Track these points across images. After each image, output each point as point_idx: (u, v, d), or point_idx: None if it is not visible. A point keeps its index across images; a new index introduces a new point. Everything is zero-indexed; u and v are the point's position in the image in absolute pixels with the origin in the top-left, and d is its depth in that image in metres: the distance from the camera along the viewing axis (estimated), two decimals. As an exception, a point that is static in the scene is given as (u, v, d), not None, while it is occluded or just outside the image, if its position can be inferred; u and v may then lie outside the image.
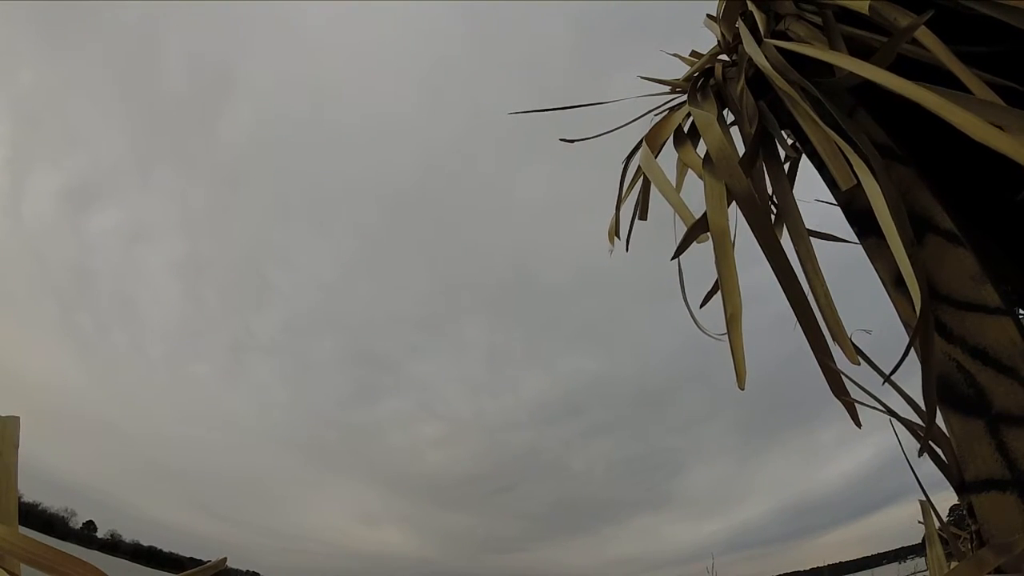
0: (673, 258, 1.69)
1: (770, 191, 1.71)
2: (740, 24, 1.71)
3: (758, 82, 1.62)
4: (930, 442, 1.30)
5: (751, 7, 1.67)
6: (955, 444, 1.24)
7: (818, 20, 1.55)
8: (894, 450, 1.38)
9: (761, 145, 1.62)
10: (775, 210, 1.71)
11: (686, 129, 1.81)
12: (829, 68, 1.50)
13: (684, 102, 1.86)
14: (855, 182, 1.27)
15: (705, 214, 1.49)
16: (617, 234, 2.18)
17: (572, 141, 2.34)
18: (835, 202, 1.62)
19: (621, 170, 2.11)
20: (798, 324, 1.27)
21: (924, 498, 1.49)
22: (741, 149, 1.60)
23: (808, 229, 1.57)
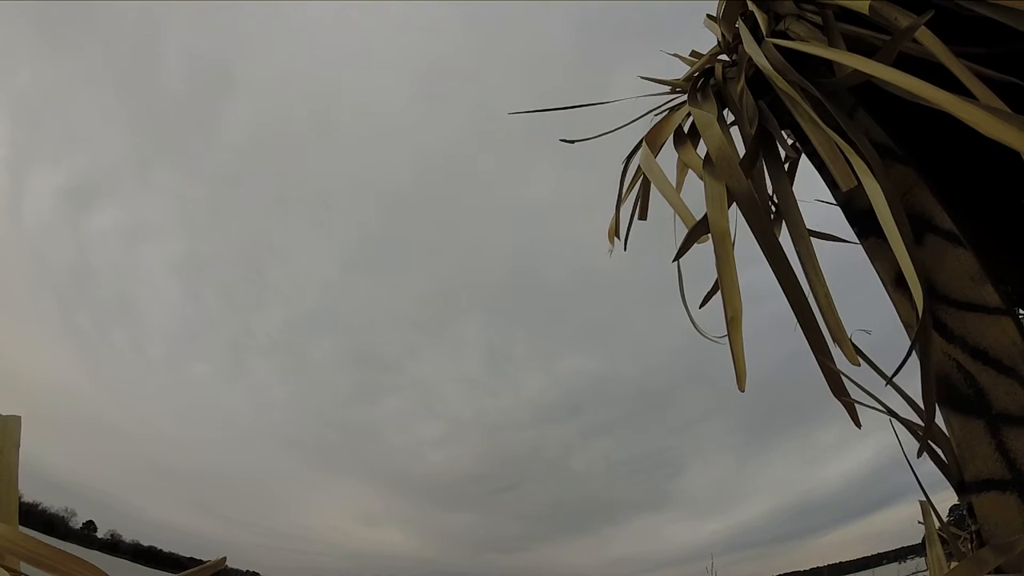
0: (674, 260, 1.69)
1: (770, 191, 1.71)
2: (740, 24, 1.71)
3: (758, 82, 1.62)
4: (930, 442, 1.30)
5: (751, 7, 1.67)
6: (955, 444, 1.24)
7: (818, 20, 1.54)
8: (894, 450, 1.37)
9: (761, 145, 1.62)
10: (775, 210, 1.71)
11: (686, 129, 1.81)
12: (829, 68, 1.50)
13: (684, 102, 1.85)
14: (855, 182, 1.27)
15: (706, 215, 1.49)
16: (617, 234, 2.18)
17: (572, 142, 2.34)
18: (835, 202, 1.62)
19: (621, 170, 2.11)
20: (798, 324, 1.27)
21: (924, 498, 1.49)
22: (741, 149, 1.60)
23: (808, 229, 1.57)
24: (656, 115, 2.01)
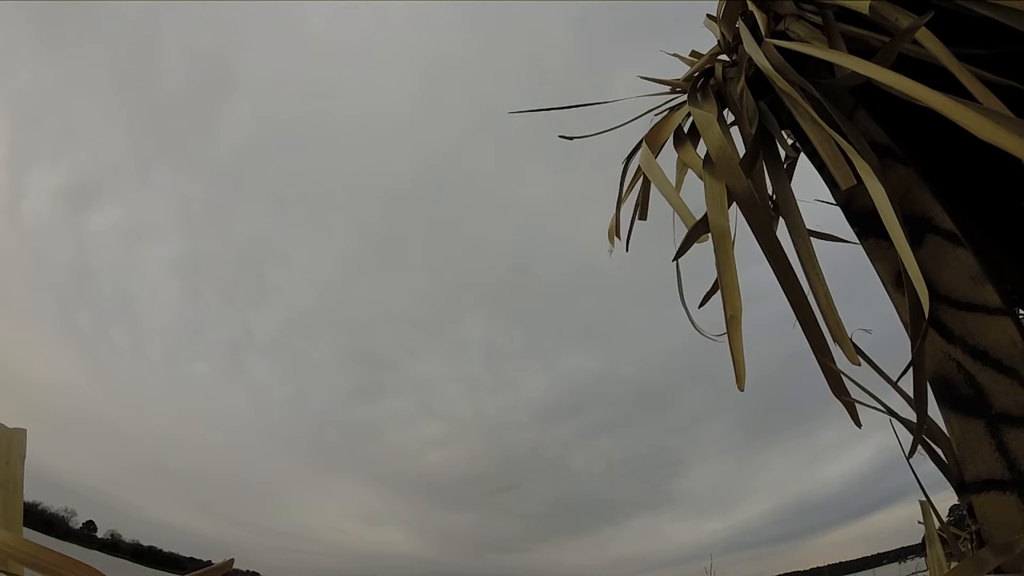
0: (674, 259, 1.69)
1: (770, 191, 1.71)
2: (740, 24, 1.71)
3: (758, 82, 1.62)
4: (931, 442, 1.30)
5: (751, 7, 1.67)
6: (955, 444, 1.24)
7: (818, 20, 1.54)
8: (894, 450, 1.37)
9: (761, 145, 1.62)
10: (775, 210, 1.71)
11: (686, 129, 1.81)
12: (829, 68, 1.50)
13: (684, 102, 1.86)
14: (855, 182, 1.27)
15: (706, 215, 1.49)
16: (617, 234, 2.18)
17: (571, 138, 2.34)
18: (835, 202, 1.62)
19: (621, 170, 2.11)
20: (798, 324, 1.27)
21: (924, 498, 1.49)
22: (741, 149, 1.60)
23: (808, 229, 1.57)
24: (656, 115, 2.01)
